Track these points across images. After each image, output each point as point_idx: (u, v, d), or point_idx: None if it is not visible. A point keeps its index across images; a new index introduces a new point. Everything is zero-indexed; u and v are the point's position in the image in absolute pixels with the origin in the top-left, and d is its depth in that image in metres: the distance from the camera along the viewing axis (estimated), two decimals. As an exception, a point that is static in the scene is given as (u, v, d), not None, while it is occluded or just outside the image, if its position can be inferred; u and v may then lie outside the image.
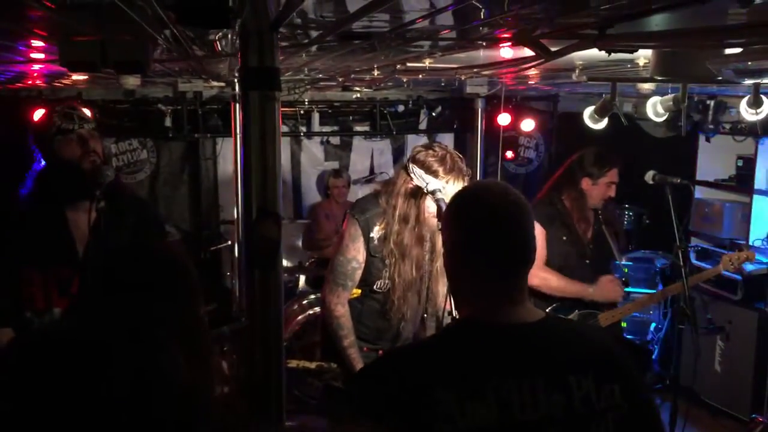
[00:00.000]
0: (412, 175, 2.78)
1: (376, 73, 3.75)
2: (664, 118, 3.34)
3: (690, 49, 1.76)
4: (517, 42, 1.84)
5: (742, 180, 5.63)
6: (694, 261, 5.45)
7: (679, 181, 3.46)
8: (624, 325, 5.91)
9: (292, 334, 5.14)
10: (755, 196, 5.48)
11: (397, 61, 3.04)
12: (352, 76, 4.20)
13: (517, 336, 1.47)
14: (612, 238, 3.67)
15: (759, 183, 5.45)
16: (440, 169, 2.74)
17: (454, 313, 1.72)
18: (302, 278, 5.88)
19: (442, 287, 2.98)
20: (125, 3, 1.56)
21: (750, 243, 5.54)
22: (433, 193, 2.80)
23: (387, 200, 2.88)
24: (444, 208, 2.75)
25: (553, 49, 1.70)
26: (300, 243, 6.36)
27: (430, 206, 2.82)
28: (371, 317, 3.02)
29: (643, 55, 2.65)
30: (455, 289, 1.63)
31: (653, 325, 5.89)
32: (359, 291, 3.02)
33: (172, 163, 6.58)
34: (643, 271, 5.84)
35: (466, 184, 2.77)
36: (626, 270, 5.80)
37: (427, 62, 2.91)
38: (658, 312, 5.93)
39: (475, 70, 3.20)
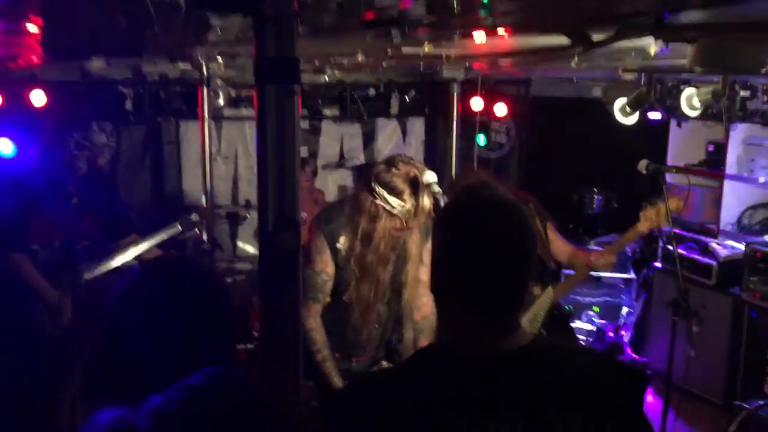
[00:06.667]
0: (376, 195, 2.68)
1: (360, 58, 3.59)
2: (699, 112, 3.28)
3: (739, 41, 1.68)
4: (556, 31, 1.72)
5: (713, 165, 5.68)
6: (667, 246, 5.47)
7: (675, 170, 3.42)
8: (597, 309, 5.99)
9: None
10: (726, 181, 5.53)
11: (395, 45, 2.89)
12: (332, 60, 4.04)
13: (494, 367, 1.34)
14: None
15: (730, 168, 5.50)
16: (406, 191, 2.66)
17: None
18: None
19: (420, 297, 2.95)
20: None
21: (721, 227, 5.61)
22: (429, 186, 2.69)
23: (352, 215, 2.80)
24: (441, 203, 2.64)
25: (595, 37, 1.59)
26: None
27: (395, 224, 2.72)
28: (341, 327, 2.96)
29: (653, 44, 2.57)
30: (436, 305, 1.49)
31: (625, 309, 5.93)
32: (329, 299, 2.95)
33: (133, 147, 6.35)
34: (613, 256, 5.84)
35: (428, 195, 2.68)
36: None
37: (426, 48, 2.77)
38: (630, 296, 5.97)
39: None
